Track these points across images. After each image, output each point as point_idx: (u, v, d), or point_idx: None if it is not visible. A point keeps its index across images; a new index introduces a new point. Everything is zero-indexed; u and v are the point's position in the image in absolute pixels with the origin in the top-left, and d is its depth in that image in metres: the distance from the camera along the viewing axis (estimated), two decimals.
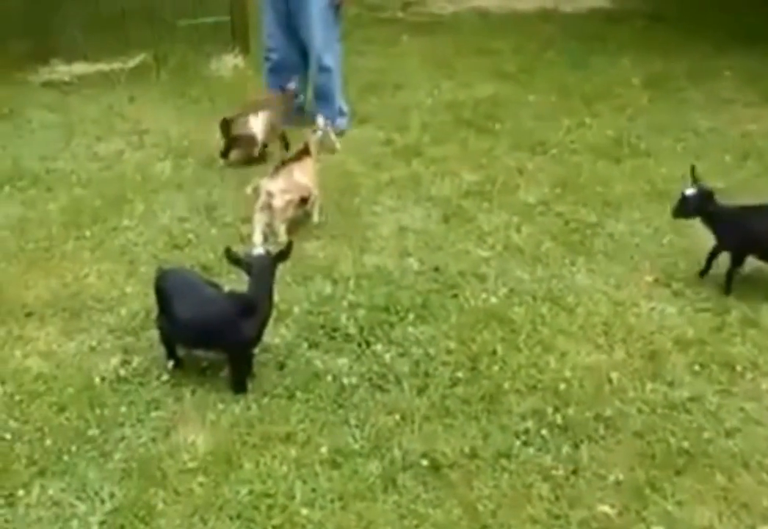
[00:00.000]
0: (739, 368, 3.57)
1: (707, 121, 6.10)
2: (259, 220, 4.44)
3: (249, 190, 4.51)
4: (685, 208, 4.11)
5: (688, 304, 4.01)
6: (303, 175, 4.57)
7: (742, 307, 3.96)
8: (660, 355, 3.66)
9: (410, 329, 3.80)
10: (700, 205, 4.07)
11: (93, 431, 3.20)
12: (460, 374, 3.51)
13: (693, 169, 4.09)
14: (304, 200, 4.56)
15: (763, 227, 4.02)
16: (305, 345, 3.68)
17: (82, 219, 4.73)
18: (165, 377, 3.45)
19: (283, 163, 4.59)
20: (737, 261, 4.10)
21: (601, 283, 4.18)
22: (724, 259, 4.13)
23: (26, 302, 3.98)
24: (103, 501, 2.89)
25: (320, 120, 5.03)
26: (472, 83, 6.84)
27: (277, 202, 4.39)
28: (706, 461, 3.10)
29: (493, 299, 4.01)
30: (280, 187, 4.42)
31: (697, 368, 3.58)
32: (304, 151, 4.71)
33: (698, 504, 2.93)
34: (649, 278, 4.21)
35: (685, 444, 3.16)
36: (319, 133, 4.90)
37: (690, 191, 4.06)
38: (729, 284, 4.10)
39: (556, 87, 6.71)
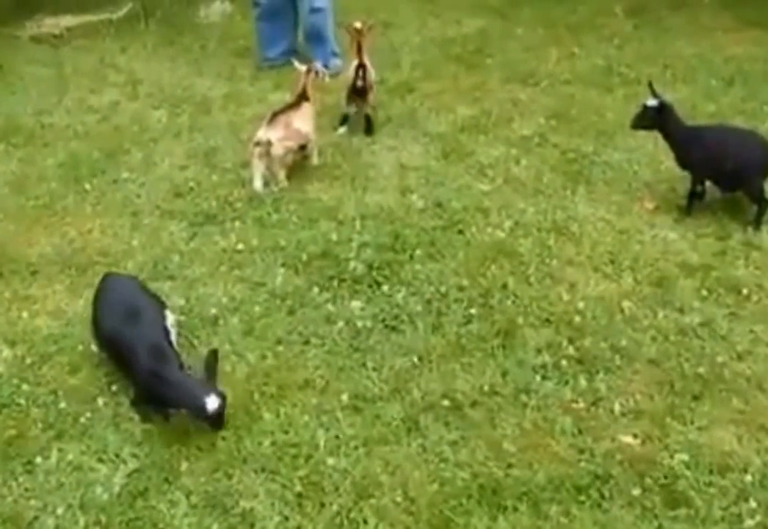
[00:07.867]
0: (745, 290, 3.37)
1: (691, 47, 5.70)
2: (258, 167, 4.10)
3: (251, 146, 4.09)
4: (644, 120, 3.77)
5: (690, 229, 3.75)
6: (303, 123, 4.19)
7: (742, 231, 3.71)
8: (668, 281, 3.43)
9: (419, 266, 3.52)
10: (660, 119, 3.72)
11: (108, 392, 2.93)
12: (473, 311, 3.25)
13: (651, 84, 3.74)
14: (302, 147, 4.22)
15: (721, 152, 3.68)
16: (315, 289, 3.40)
17: (81, 173, 4.36)
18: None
19: (281, 110, 4.19)
20: (695, 182, 3.81)
21: (603, 211, 3.90)
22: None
23: (30, 261, 3.66)
24: (125, 462, 2.64)
25: (318, 65, 4.54)
26: (459, 19, 6.36)
27: (276, 150, 4.04)
28: (721, 386, 2.93)
29: (499, 233, 3.73)
30: (279, 136, 4.05)
31: (704, 292, 3.37)
32: (302, 96, 4.29)
33: (718, 429, 2.76)
34: (650, 206, 3.93)
35: (701, 370, 2.99)
36: (317, 71, 4.40)
37: (651, 102, 3.71)
38: (689, 206, 3.84)
39: (541, 19, 6.25)
